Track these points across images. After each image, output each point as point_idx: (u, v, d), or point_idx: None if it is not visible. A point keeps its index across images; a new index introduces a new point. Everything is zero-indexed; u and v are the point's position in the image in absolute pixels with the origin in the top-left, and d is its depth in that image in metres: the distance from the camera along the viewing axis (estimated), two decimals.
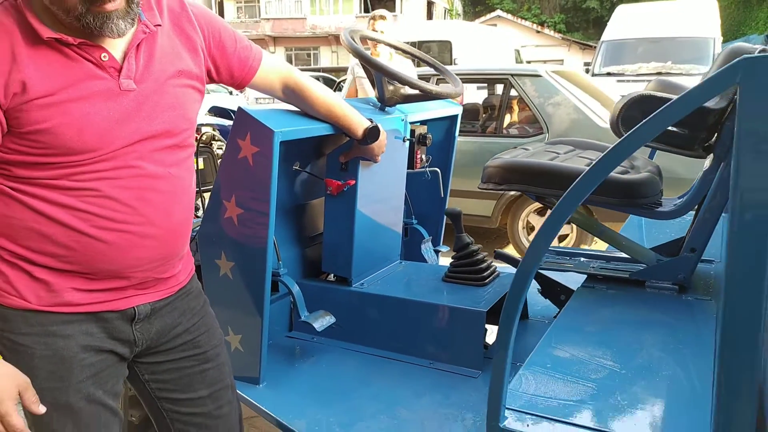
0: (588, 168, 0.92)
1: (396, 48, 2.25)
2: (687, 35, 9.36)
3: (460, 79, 2.12)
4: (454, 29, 10.68)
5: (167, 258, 1.21)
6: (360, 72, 4.23)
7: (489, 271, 1.98)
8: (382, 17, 4.26)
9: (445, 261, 2.26)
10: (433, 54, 9.52)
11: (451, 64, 9.10)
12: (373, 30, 4.21)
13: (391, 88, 1.96)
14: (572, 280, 1.88)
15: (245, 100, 12.89)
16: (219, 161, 2.60)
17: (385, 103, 1.99)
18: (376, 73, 1.91)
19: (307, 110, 1.62)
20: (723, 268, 0.77)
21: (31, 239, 1.09)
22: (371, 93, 3.92)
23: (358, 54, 1.86)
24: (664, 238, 1.81)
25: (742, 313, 0.74)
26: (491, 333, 1.81)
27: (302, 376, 1.79)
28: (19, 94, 0.99)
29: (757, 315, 0.74)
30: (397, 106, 2.05)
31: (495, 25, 22.40)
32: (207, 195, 2.29)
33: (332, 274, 2.06)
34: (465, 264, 1.98)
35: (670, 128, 1.44)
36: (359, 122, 1.67)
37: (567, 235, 4.35)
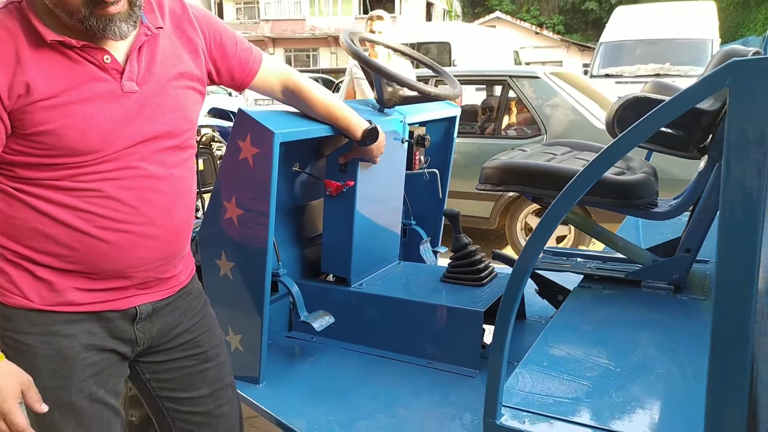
0: (582, 169, 0.94)
1: (394, 50, 2.27)
2: (685, 37, 9.38)
3: (459, 80, 2.14)
4: (453, 30, 10.70)
5: (168, 258, 1.22)
6: (358, 73, 4.24)
7: (487, 272, 2.00)
8: (380, 17, 4.27)
9: (444, 261, 2.28)
10: (432, 55, 9.54)
11: (450, 65, 9.11)
12: (371, 30, 4.23)
13: (389, 89, 1.97)
14: (569, 280, 1.90)
15: (244, 101, 12.91)
16: (219, 162, 2.62)
17: (383, 104, 2.00)
18: (375, 74, 1.92)
19: (307, 111, 1.63)
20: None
21: (34, 239, 1.10)
22: (369, 94, 3.93)
23: (357, 56, 1.88)
24: (661, 239, 1.83)
25: (733, 311, 0.76)
26: (489, 333, 1.82)
27: (302, 375, 1.80)
28: (23, 96, 1.01)
29: (747, 313, 0.75)
30: (396, 107, 2.06)
31: (494, 26, 22.46)
32: (207, 196, 2.30)
33: (331, 275, 2.08)
34: (463, 264, 2.00)
35: (665, 130, 1.46)
36: (358, 123, 1.69)
37: (565, 236, 4.36)
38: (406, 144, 2.10)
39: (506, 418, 1.05)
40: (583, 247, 4.11)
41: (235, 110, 2.61)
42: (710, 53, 8.96)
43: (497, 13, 28.75)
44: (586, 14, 34.27)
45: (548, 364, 1.24)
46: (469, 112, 5.30)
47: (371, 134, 1.70)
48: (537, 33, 27.62)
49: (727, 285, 0.76)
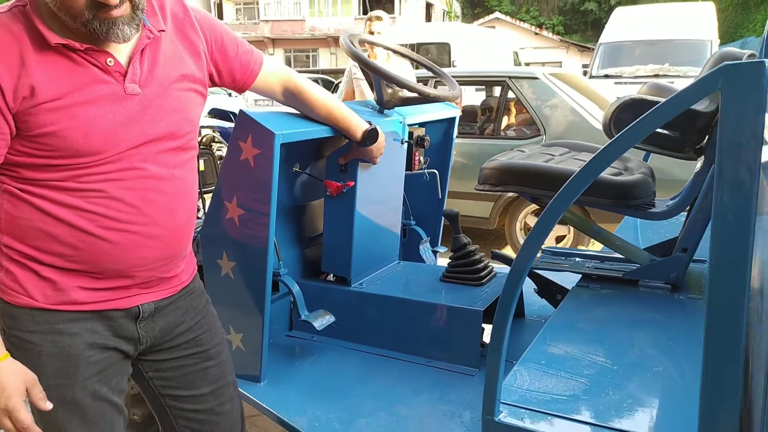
0: (579, 169, 0.95)
1: (394, 51, 2.28)
2: (684, 38, 9.39)
3: (458, 81, 2.15)
4: (452, 31, 10.72)
5: (171, 258, 1.24)
6: (358, 74, 4.25)
7: (486, 271, 2.01)
8: (379, 18, 4.28)
9: (443, 261, 2.29)
10: (432, 56, 9.55)
11: (449, 66, 9.12)
12: (370, 31, 4.24)
13: (389, 91, 1.98)
14: (568, 279, 1.91)
15: (244, 102, 12.91)
16: (219, 163, 2.63)
17: (383, 105, 2.02)
18: (375, 76, 1.94)
19: (307, 113, 1.64)
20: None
21: (39, 239, 1.12)
22: (368, 95, 3.95)
23: (357, 57, 1.89)
24: (659, 239, 1.84)
25: (726, 310, 0.77)
26: (488, 332, 1.83)
27: (302, 374, 1.81)
28: (28, 98, 1.02)
29: (740, 313, 0.77)
30: (396, 108, 2.08)
31: (493, 27, 22.48)
32: (207, 196, 2.32)
33: (332, 274, 2.09)
34: (462, 264, 2.01)
35: (662, 131, 1.47)
36: (358, 124, 1.70)
37: (564, 236, 4.38)
38: (405, 145, 2.12)
39: (504, 415, 1.06)
40: (582, 247, 4.13)
41: (235, 111, 2.63)
42: (709, 54, 8.97)
43: (497, 14, 28.77)
44: (585, 15, 34.29)
45: (546, 362, 1.25)
46: (468, 113, 5.32)
47: (371, 135, 1.72)
48: (536, 34, 27.63)
49: (721, 285, 0.77)
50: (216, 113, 2.81)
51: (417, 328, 1.87)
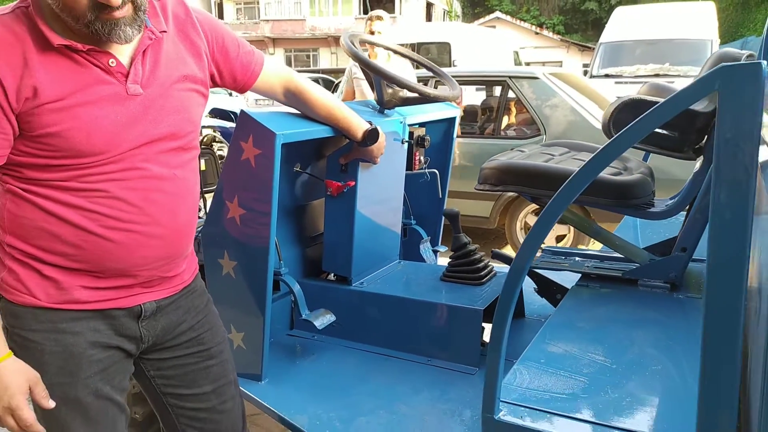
0: (578, 169, 0.96)
1: (394, 51, 2.29)
2: (685, 37, 9.39)
3: (458, 81, 2.16)
4: (453, 31, 10.72)
5: (172, 257, 1.24)
6: (358, 73, 4.26)
7: (486, 271, 2.02)
8: (379, 17, 4.29)
9: (444, 261, 2.30)
10: (432, 55, 9.55)
11: (450, 65, 9.12)
12: (371, 30, 4.24)
13: (389, 91, 1.99)
14: (567, 279, 1.92)
15: (245, 101, 12.92)
16: (220, 163, 2.63)
17: (384, 105, 2.02)
18: (375, 76, 1.95)
19: (308, 113, 1.65)
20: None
21: (41, 238, 1.13)
22: (369, 94, 3.96)
23: (357, 58, 1.90)
24: (658, 238, 1.84)
25: (723, 309, 0.78)
26: (488, 331, 1.84)
27: (303, 373, 1.82)
28: (31, 99, 1.03)
29: (737, 311, 0.77)
30: (396, 108, 2.09)
31: (494, 26, 22.48)
32: (208, 196, 2.32)
33: (332, 274, 2.10)
34: (463, 263, 2.02)
35: (661, 131, 1.48)
36: (359, 124, 1.71)
37: (564, 235, 4.38)
38: (406, 144, 2.12)
39: (504, 414, 1.07)
40: (583, 246, 4.13)
41: (236, 110, 2.63)
42: (710, 53, 8.96)
43: (497, 14, 28.76)
44: (586, 14, 34.28)
45: (546, 361, 1.26)
46: (469, 113, 5.33)
47: (372, 135, 1.72)
48: (537, 33, 27.63)
49: (718, 284, 0.78)
50: (217, 113, 2.81)
51: (417, 327, 1.87)
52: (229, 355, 1.42)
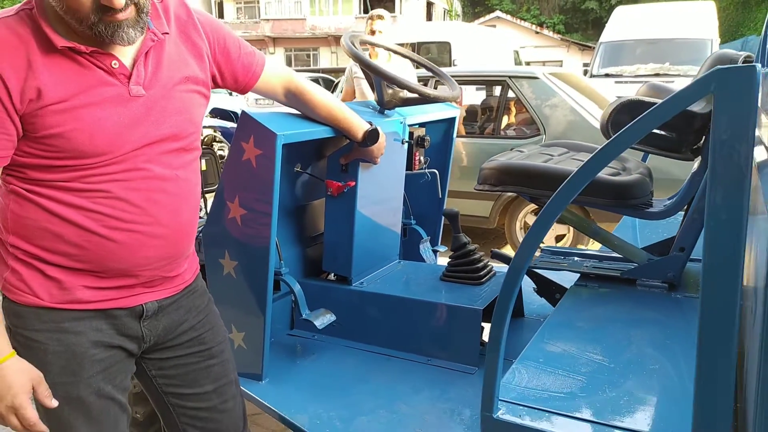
0: (577, 169, 0.96)
1: (394, 52, 2.30)
2: (685, 37, 9.40)
3: (458, 80, 2.17)
4: (453, 30, 10.72)
5: (174, 257, 1.25)
6: (358, 73, 4.27)
7: (486, 270, 2.03)
8: (380, 17, 4.29)
9: (443, 260, 2.31)
10: (433, 55, 9.56)
11: (450, 65, 9.13)
12: (371, 29, 4.25)
13: (390, 91, 2.00)
14: (566, 278, 1.93)
15: (245, 101, 12.94)
16: (221, 163, 2.64)
17: (384, 106, 2.03)
18: (375, 77, 1.96)
19: (308, 113, 1.66)
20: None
21: (44, 239, 1.13)
22: (369, 94, 3.97)
23: (358, 59, 1.91)
24: (657, 238, 1.85)
25: (719, 309, 0.79)
26: (488, 331, 1.85)
27: (304, 372, 1.83)
28: (35, 101, 1.04)
29: (732, 311, 0.78)
30: (396, 109, 2.09)
31: (494, 26, 22.46)
32: (209, 195, 2.33)
33: (333, 273, 2.11)
34: (462, 263, 2.03)
35: (659, 132, 1.49)
36: (359, 125, 1.72)
37: (564, 235, 4.39)
38: (406, 145, 2.13)
39: (503, 412, 1.08)
40: (582, 246, 4.14)
41: (237, 110, 2.64)
42: (710, 53, 8.97)
43: (497, 13, 28.73)
44: (586, 14, 34.27)
45: (545, 360, 1.27)
46: (469, 113, 5.34)
47: (372, 135, 1.73)
48: (537, 32, 27.62)
49: (714, 285, 0.79)
50: (217, 113, 2.81)
51: (417, 326, 1.88)
52: (230, 354, 1.43)
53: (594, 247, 3.86)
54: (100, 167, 1.11)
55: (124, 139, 1.11)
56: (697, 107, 1.38)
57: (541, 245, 1.98)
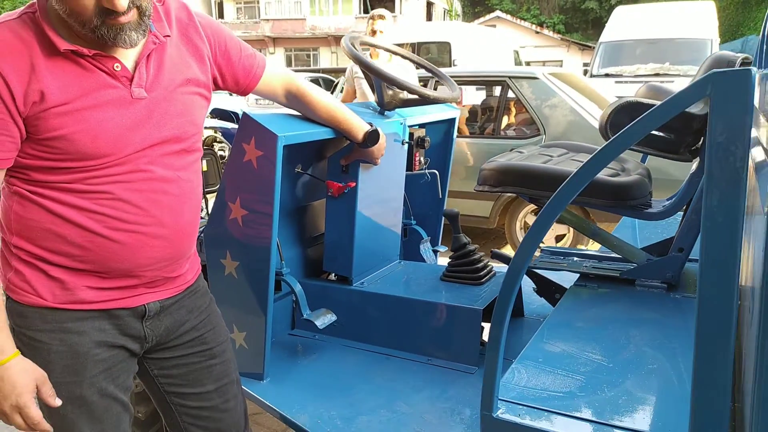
0: (576, 170, 0.97)
1: (394, 53, 2.31)
2: (685, 37, 9.40)
3: (458, 81, 2.18)
4: (453, 30, 10.72)
5: (176, 257, 1.26)
6: (359, 73, 4.28)
7: (486, 271, 2.04)
8: (381, 17, 4.30)
9: (444, 261, 2.31)
10: (433, 55, 9.56)
11: (450, 65, 9.13)
12: (372, 29, 4.26)
13: (390, 92, 2.01)
14: (566, 278, 1.94)
15: (245, 101, 12.95)
16: (222, 162, 2.65)
17: (384, 107, 2.04)
18: (376, 78, 1.96)
19: (309, 115, 1.67)
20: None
21: (48, 240, 1.14)
22: (370, 94, 3.98)
23: (358, 61, 1.92)
24: (656, 238, 1.86)
25: (716, 310, 0.79)
26: (488, 331, 1.86)
27: (305, 372, 1.84)
28: (38, 103, 1.05)
29: (729, 313, 0.79)
30: (396, 110, 2.10)
31: (494, 25, 22.45)
32: (210, 196, 2.34)
33: (333, 274, 2.12)
34: (462, 263, 2.04)
35: (657, 133, 1.49)
36: (359, 126, 1.73)
37: (564, 235, 4.40)
38: (406, 145, 2.14)
39: (502, 411, 1.08)
40: (582, 246, 4.15)
41: (236, 110, 2.65)
42: (710, 53, 8.98)
43: (497, 13, 28.73)
44: (586, 13, 34.27)
45: (544, 360, 1.27)
46: (469, 113, 5.34)
47: (372, 136, 1.74)
48: (537, 32, 27.61)
49: (711, 286, 0.79)
50: (218, 113, 2.82)
51: (417, 326, 1.89)
52: (231, 354, 1.44)
53: (594, 247, 3.87)
54: (103, 169, 1.12)
55: (127, 141, 1.12)
56: (695, 108, 1.38)
57: (541, 245, 1.98)
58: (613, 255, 1.78)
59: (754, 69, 0.71)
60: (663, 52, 9.30)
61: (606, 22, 11.09)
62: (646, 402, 1.14)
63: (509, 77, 4.53)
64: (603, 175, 1.66)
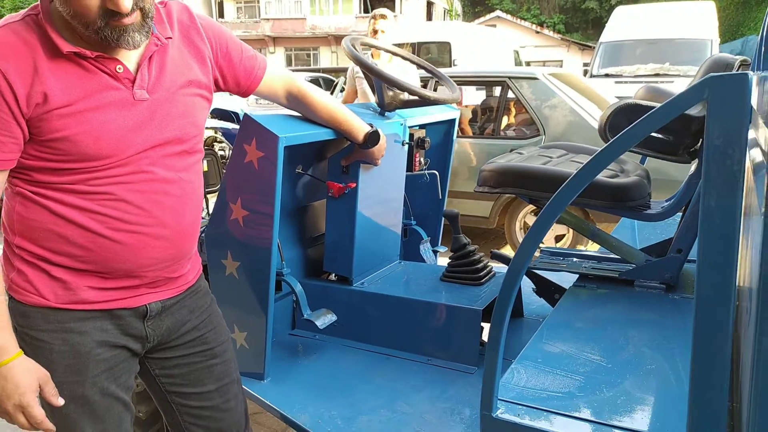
0: (575, 172, 0.98)
1: (395, 54, 2.32)
2: (685, 37, 9.41)
3: (458, 81, 2.19)
4: (453, 30, 10.73)
5: (177, 258, 1.27)
6: (360, 73, 4.29)
7: (485, 271, 2.04)
8: (383, 16, 4.30)
9: (444, 261, 2.32)
10: (433, 55, 9.57)
11: (450, 65, 9.14)
12: (374, 29, 4.26)
13: (390, 93, 2.02)
14: (565, 279, 1.94)
15: (245, 101, 12.96)
16: (222, 162, 2.66)
17: (384, 108, 2.05)
18: (376, 79, 1.97)
19: (310, 116, 1.68)
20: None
21: (50, 240, 1.15)
22: (371, 94, 3.98)
23: (359, 62, 1.93)
24: (656, 239, 1.87)
25: (713, 311, 0.80)
26: (488, 331, 1.87)
27: (305, 372, 1.85)
28: (41, 105, 1.05)
29: (726, 315, 0.79)
30: (397, 110, 2.11)
31: (494, 25, 22.45)
32: (211, 196, 2.35)
33: (334, 274, 2.12)
34: (462, 264, 2.04)
35: (656, 135, 1.50)
36: (360, 127, 1.74)
37: (564, 235, 4.41)
38: (406, 146, 2.15)
39: (502, 411, 1.09)
40: (581, 246, 4.15)
41: (236, 110, 2.65)
42: (710, 53, 8.99)
43: (497, 12, 28.71)
44: (586, 13, 34.26)
45: (543, 360, 1.28)
46: (471, 113, 5.34)
47: (373, 137, 1.75)
48: (537, 32, 27.60)
49: (708, 288, 0.80)
50: (218, 114, 2.83)
51: (417, 326, 1.90)
52: (232, 354, 1.45)
53: (593, 248, 3.88)
54: (105, 170, 1.13)
55: (128, 142, 1.13)
56: (693, 111, 1.39)
57: (541, 246, 1.99)
58: (612, 256, 1.79)
59: (750, 73, 0.71)
60: (663, 52, 9.30)
61: (606, 22, 11.09)
62: (644, 402, 1.15)
63: (509, 77, 4.53)
64: (602, 176, 1.67)
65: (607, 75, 9.33)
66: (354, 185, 1.90)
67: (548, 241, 4.33)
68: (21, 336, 1.17)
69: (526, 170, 1.76)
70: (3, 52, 1.03)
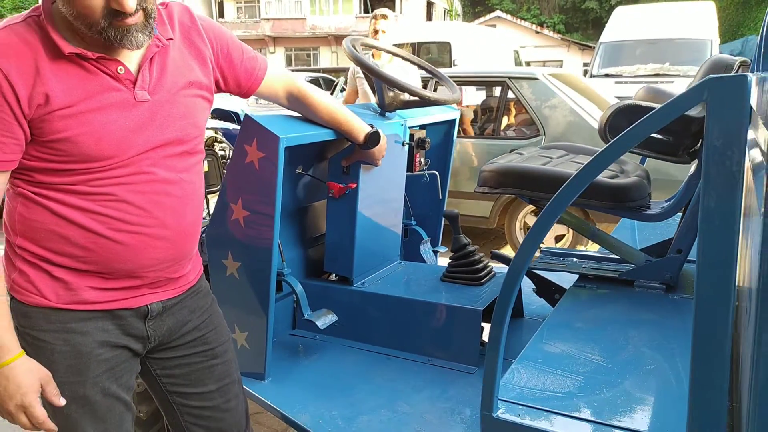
0: (575, 172, 0.98)
1: (395, 55, 2.32)
2: (685, 37, 9.41)
3: (458, 81, 2.19)
4: (453, 30, 10.73)
5: (178, 258, 1.27)
6: (361, 73, 4.29)
7: (486, 271, 2.05)
8: (384, 16, 4.30)
9: (444, 261, 2.32)
10: (433, 55, 9.57)
11: (450, 65, 9.14)
12: (375, 29, 4.26)
13: (391, 94, 2.02)
14: (566, 279, 1.95)
15: (245, 101, 12.96)
16: (223, 162, 2.66)
17: (385, 108, 2.05)
18: (377, 80, 1.98)
19: (310, 116, 1.68)
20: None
21: (51, 241, 1.15)
22: (371, 94, 3.99)
23: (360, 63, 1.93)
24: (656, 239, 1.87)
25: (712, 312, 0.80)
26: (488, 331, 1.87)
27: (306, 372, 1.85)
28: (42, 106, 1.06)
29: (726, 316, 0.80)
30: (397, 111, 2.11)
31: (494, 25, 22.45)
32: (211, 196, 2.35)
33: (334, 274, 2.13)
34: (462, 264, 2.05)
35: (656, 136, 1.51)
36: (360, 127, 1.74)
37: (564, 235, 4.41)
38: (406, 147, 2.15)
39: (502, 412, 1.09)
40: (581, 247, 4.16)
41: (237, 110, 2.65)
42: (710, 53, 8.99)
43: (498, 13, 28.71)
44: (586, 13, 34.27)
45: (543, 360, 1.28)
46: (472, 113, 5.34)
47: (373, 138, 1.75)
48: (537, 32, 27.60)
49: (707, 288, 0.80)
50: (218, 114, 2.83)
51: (418, 327, 1.90)
52: (233, 354, 1.45)
53: (593, 248, 3.88)
54: (106, 171, 1.13)
55: (130, 143, 1.13)
56: (693, 111, 1.39)
57: (541, 246, 2.00)
58: (612, 256, 1.79)
59: (750, 74, 0.72)
60: (663, 52, 9.30)
61: (606, 22, 11.09)
62: (644, 402, 1.15)
63: (509, 78, 4.54)
64: (602, 176, 1.67)
65: (607, 75, 9.33)
66: (354, 186, 1.90)
67: (548, 242, 4.33)
68: (22, 336, 1.17)
69: (526, 171, 1.76)
70: (5, 53, 1.03)
